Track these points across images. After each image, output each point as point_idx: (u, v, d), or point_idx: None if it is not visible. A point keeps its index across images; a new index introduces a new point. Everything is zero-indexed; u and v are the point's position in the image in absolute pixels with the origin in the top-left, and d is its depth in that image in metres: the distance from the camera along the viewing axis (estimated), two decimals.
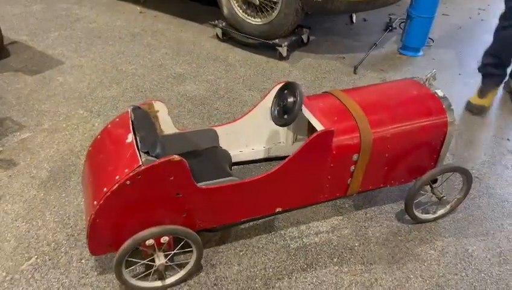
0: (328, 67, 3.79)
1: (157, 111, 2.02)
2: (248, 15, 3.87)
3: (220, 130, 2.19)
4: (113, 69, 3.59)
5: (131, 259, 1.76)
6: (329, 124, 1.88)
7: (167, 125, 2.09)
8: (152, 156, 1.65)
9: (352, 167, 1.98)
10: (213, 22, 4.08)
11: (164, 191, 1.68)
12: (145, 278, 1.86)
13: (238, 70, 3.64)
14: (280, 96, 2.03)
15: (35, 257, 1.99)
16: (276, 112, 2.04)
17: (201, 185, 1.75)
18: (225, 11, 3.94)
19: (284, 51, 3.78)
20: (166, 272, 1.90)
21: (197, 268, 1.92)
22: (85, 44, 3.97)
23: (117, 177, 1.62)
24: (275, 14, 3.70)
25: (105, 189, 1.63)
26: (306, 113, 1.97)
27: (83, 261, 1.97)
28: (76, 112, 3.03)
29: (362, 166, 1.99)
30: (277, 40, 3.79)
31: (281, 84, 2.11)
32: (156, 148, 1.68)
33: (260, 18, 3.81)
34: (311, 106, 2.01)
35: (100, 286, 1.88)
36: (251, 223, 2.18)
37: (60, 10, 4.64)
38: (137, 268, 1.92)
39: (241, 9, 3.88)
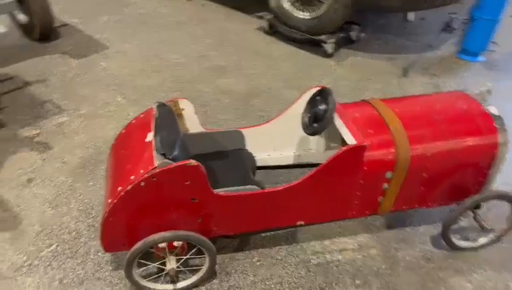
0: (376, 67, 3.57)
1: (183, 109, 1.96)
2: (296, 8, 3.71)
3: (247, 132, 2.10)
4: (155, 57, 3.58)
5: (143, 261, 1.73)
6: (363, 137, 1.72)
7: (193, 124, 2.02)
8: (169, 159, 1.58)
9: (385, 185, 1.82)
10: (259, 14, 3.97)
11: (179, 195, 1.62)
12: (156, 279, 1.82)
13: (281, 66, 3.52)
14: (312, 102, 1.90)
15: (56, 244, 2.02)
16: (306, 119, 1.91)
17: (219, 191, 1.67)
18: (272, 3, 3.81)
19: (329, 47, 3.60)
20: (180, 275, 1.85)
21: (211, 275, 1.85)
22: (131, 30, 4.00)
23: (132, 177, 1.58)
24: (323, 8, 3.53)
25: (120, 188, 1.60)
26: (338, 122, 1.83)
27: (99, 253, 1.97)
28: (114, 99, 3.06)
29: (396, 185, 1.83)
30: (323, 36, 3.62)
31: (314, 89, 1.98)
32: (174, 150, 1.62)
33: (308, 12, 3.65)
34: (346, 115, 1.86)
35: (113, 281, 1.86)
36: (272, 232, 2.09)
37: None
38: (150, 268, 1.88)
39: (289, 1, 3.73)
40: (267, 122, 2.12)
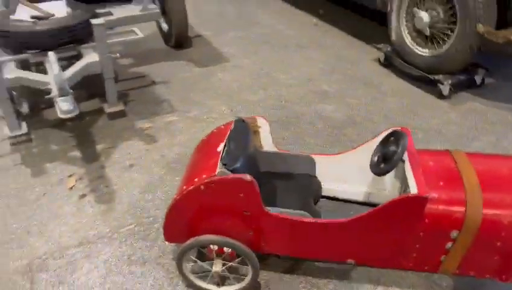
0: (495, 117, 3.24)
1: (259, 127, 2.08)
2: (417, 44, 3.59)
3: (320, 159, 2.12)
4: (266, 75, 3.79)
5: (195, 258, 1.88)
6: (428, 189, 1.63)
7: (267, 143, 2.13)
8: (228, 169, 1.71)
9: (449, 244, 1.68)
10: (378, 45, 3.92)
11: (233, 205, 1.74)
12: (204, 278, 1.95)
13: (387, 100, 3.42)
14: (384, 142, 1.86)
15: (135, 224, 2.30)
16: (375, 158, 1.87)
17: (270, 210, 1.74)
18: (393, 36, 3.74)
19: (445, 89, 3.38)
20: (226, 280, 1.96)
21: (253, 287, 1.92)
22: (253, 47, 4.29)
23: (195, 179, 1.75)
24: (445, 47, 3.34)
25: (185, 187, 1.78)
26: (407, 167, 1.75)
27: (166, 242, 2.18)
28: (219, 107, 3.33)
29: (462, 247, 1.67)
30: (441, 76, 3.41)
31: (392, 129, 1.93)
32: (236, 163, 1.74)
33: (429, 49, 3.49)
34: (419, 161, 1.78)
35: (170, 270, 2.06)
36: (326, 264, 2.07)
37: (245, 13, 5.11)
38: (203, 267, 2.03)
39: (410, 36, 3.62)
40: (341, 153, 2.12)
